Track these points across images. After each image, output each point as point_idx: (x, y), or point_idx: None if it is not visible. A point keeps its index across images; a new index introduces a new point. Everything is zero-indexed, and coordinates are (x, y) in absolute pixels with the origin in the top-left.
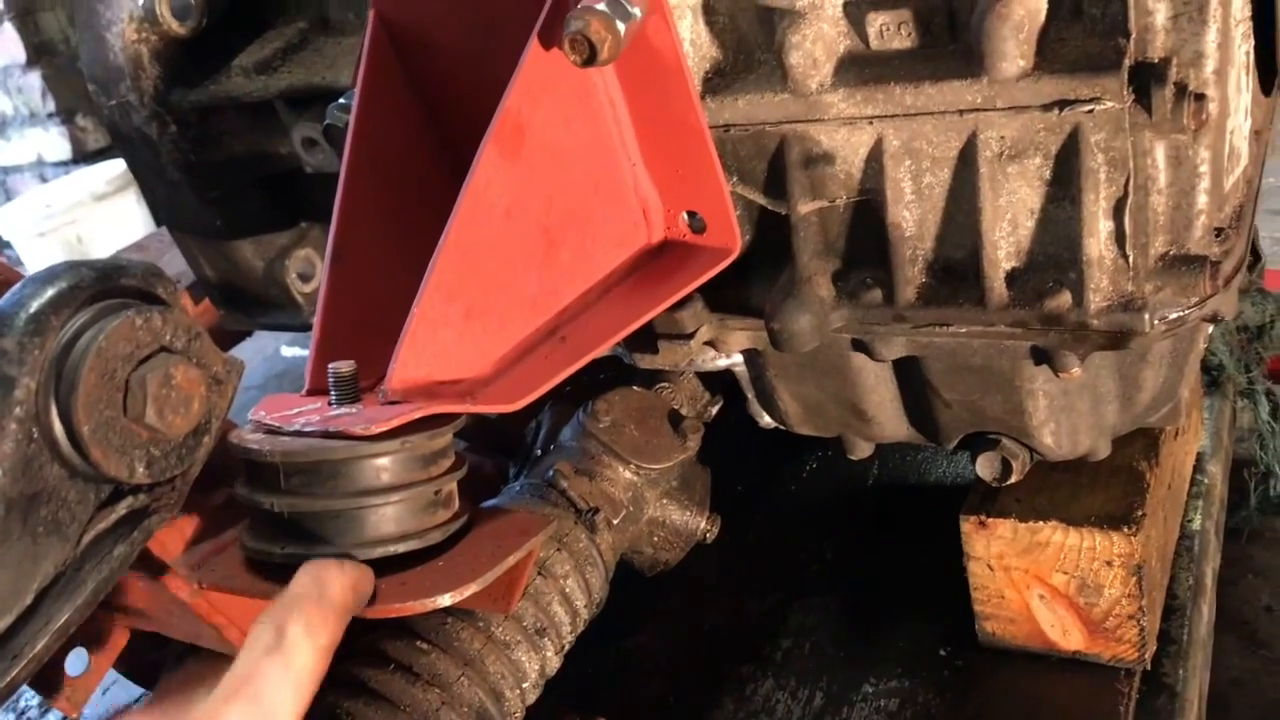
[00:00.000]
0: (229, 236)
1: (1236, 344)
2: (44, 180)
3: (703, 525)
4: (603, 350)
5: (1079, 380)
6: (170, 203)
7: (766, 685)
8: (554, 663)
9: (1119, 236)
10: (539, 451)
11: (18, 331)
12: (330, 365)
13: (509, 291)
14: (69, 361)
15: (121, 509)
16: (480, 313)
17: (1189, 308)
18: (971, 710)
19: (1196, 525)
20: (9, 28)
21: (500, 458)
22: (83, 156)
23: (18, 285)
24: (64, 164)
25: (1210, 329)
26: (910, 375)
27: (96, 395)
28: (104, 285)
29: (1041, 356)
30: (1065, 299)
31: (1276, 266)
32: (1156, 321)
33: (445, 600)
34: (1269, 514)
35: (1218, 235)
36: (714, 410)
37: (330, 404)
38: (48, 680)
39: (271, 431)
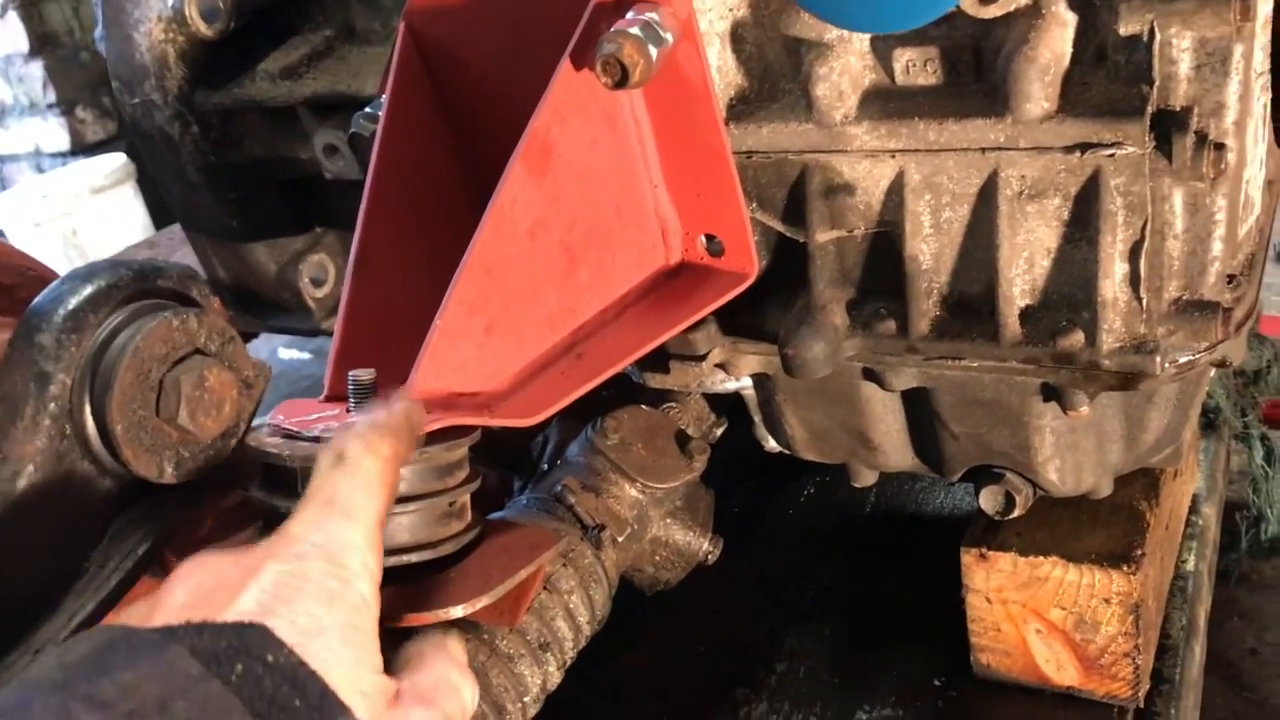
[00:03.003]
0: (244, 238)
1: (1233, 388)
2: (40, 171)
3: (705, 546)
4: (619, 369)
5: (1086, 419)
6: (187, 202)
7: (760, 709)
8: (556, 678)
9: (1134, 279)
10: (545, 466)
11: (55, 328)
12: (350, 372)
13: (529, 308)
14: (105, 360)
15: (147, 508)
16: (500, 327)
17: (1199, 352)
18: None
19: (1190, 566)
20: (13, 17)
21: (504, 470)
22: (81, 149)
23: (56, 282)
24: (61, 155)
25: (1213, 372)
26: (919, 406)
27: (131, 394)
28: (141, 285)
29: (1051, 394)
30: (1078, 338)
31: (1269, 312)
32: (1167, 364)
33: (457, 612)
34: (1258, 557)
35: (1230, 282)
36: (719, 432)
37: (349, 411)
38: None
39: (290, 436)
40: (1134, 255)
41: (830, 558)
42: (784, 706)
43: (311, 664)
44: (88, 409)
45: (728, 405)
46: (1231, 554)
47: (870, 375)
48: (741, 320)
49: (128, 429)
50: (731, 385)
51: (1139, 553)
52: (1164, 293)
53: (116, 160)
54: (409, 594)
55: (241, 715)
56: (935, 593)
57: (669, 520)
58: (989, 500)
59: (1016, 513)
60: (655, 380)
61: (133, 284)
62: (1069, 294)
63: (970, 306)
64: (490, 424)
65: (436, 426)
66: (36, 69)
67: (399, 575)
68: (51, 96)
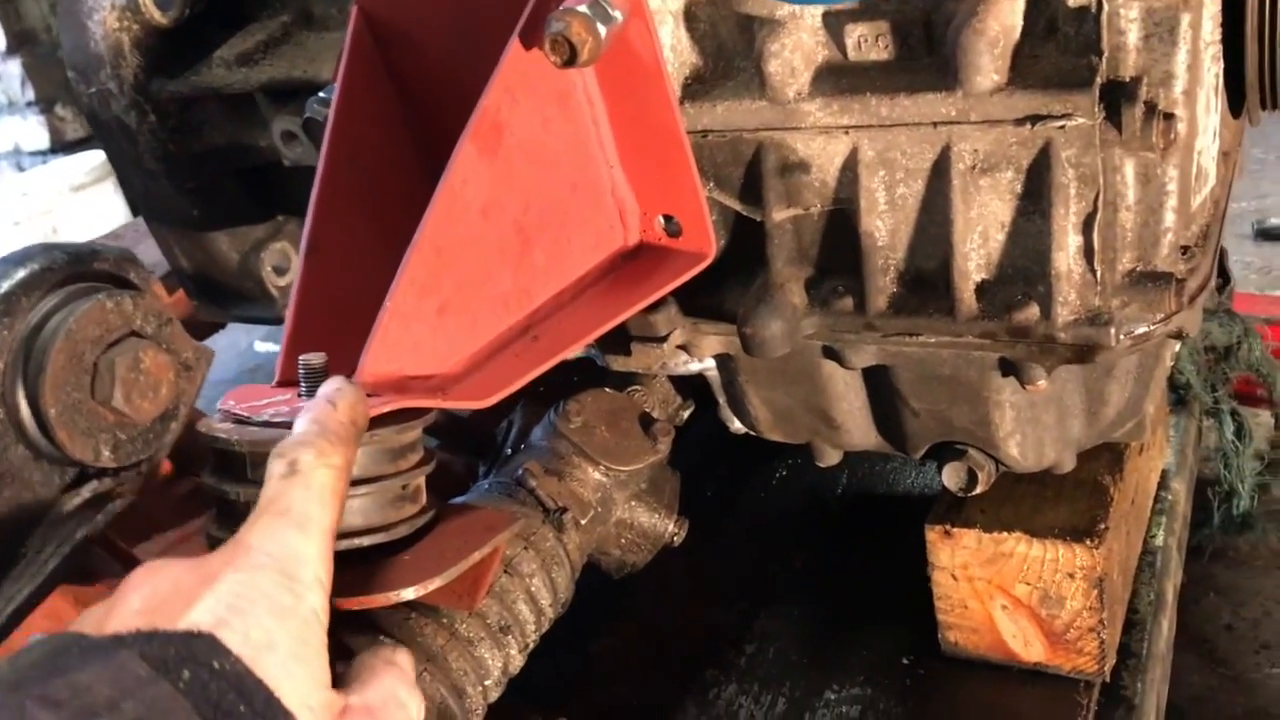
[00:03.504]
0: (205, 228)
1: (1204, 364)
2: (21, 169)
3: (670, 528)
4: (575, 350)
5: (1045, 393)
6: (147, 192)
7: (730, 690)
8: (517, 661)
9: (1087, 251)
10: (509, 450)
11: None
12: (301, 357)
13: (483, 289)
14: (38, 343)
15: (85, 492)
16: (454, 309)
17: (1154, 323)
18: (932, 719)
19: (1159, 541)
20: None
21: (470, 456)
22: (61, 146)
23: None
24: (41, 153)
25: (1176, 346)
26: (880, 384)
27: (64, 377)
28: (76, 268)
29: (1009, 368)
30: (1033, 311)
31: (1245, 289)
32: (1122, 336)
33: (409, 594)
34: (1231, 533)
35: (1184, 253)
36: (685, 414)
37: (300, 395)
38: None
39: (240, 421)
40: (1087, 227)
41: (801, 539)
42: (753, 687)
43: (260, 677)
44: (21, 393)
45: (695, 388)
46: (1205, 530)
47: (830, 353)
48: (702, 301)
49: (62, 412)
50: (695, 367)
51: (1102, 527)
52: (1118, 264)
53: (96, 158)
54: (361, 577)
55: (188, 715)
56: (905, 572)
57: (634, 503)
58: (952, 477)
59: (979, 489)
60: (617, 363)
61: (67, 267)
62: (1024, 267)
63: (927, 282)
64: (444, 406)
65: (388, 409)
66: (14, 67)
67: (352, 558)
68: (30, 94)
